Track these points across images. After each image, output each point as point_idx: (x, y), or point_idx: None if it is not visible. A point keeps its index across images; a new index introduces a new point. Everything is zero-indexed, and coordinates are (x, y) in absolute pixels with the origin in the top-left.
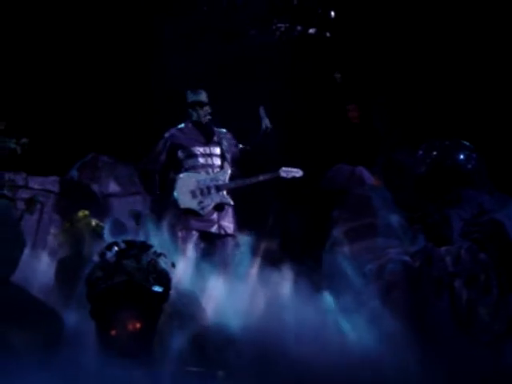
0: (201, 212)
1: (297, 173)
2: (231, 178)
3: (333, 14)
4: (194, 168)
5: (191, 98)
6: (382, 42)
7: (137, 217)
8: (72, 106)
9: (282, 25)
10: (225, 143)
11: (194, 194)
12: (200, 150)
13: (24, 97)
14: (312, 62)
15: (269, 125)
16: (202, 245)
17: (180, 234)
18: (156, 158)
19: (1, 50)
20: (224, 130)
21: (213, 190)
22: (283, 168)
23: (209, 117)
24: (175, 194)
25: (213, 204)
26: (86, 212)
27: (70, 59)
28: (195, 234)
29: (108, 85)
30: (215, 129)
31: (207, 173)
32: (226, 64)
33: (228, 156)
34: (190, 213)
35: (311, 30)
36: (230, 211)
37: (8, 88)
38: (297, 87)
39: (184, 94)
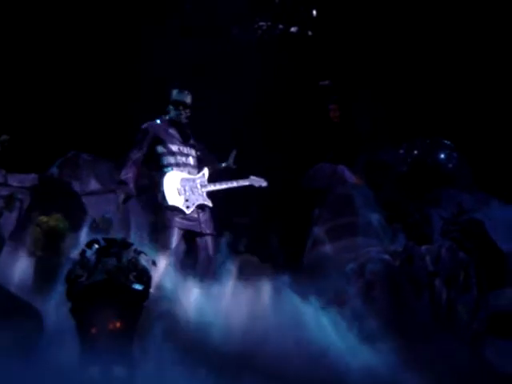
0: (186, 210)
1: (263, 182)
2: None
3: (315, 12)
4: (177, 166)
5: (177, 96)
6: (363, 42)
7: (107, 223)
8: (53, 104)
9: (264, 23)
10: (199, 147)
11: (179, 192)
12: (178, 148)
13: (4, 94)
14: (294, 61)
15: (233, 166)
16: (184, 244)
17: (162, 231)
18: (140, 147)
19: None
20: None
21: (196, 190)
22: (252, 177)
23: (186, 120)
24: (163, 190)
25: (196, 203)
26: (46, 217)
27: (53, 58)
28: (178, 232)
29: (89, 82)
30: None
31: (189, 173)
32: (208, 62)
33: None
34: (173, 210)
35: (293, 29)
36: (208, 212)
37: None
38: (278, 85)
39: (168, 90)
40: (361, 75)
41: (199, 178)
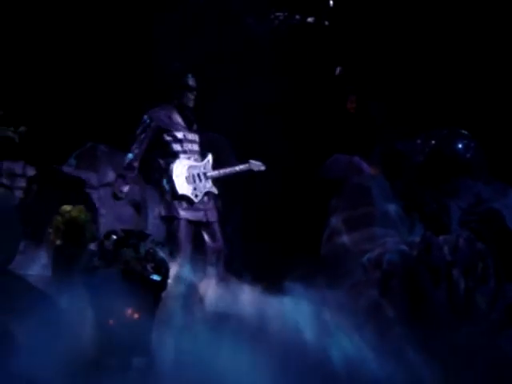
0: (194, 199)
1: (261, 166)
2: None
3: (331, 2)
4: (184, 153)
5: (180, 81)
6: (380, 31)
7: (136, 206)
8: (70, 95)
9: (281, 13)
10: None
11: (188, 181)
12: (184, 135)
13: (22, 86)
14: (310, 51)
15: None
16: (190, 234)
17: (169, 222)
18: (140, 143)
19: None
20: None
21: (203, 178)
22: (251, 161)
23: (192, 103)
24: (173, 179)
25: (204, 191)
26: (70, 206)
27: (69, 48)
28: (184, 222)
29: (106, 74)
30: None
31: (195, 160)
32: (223, 53)
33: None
34: (181, 200)
35: (310, 19)
36: (212, 200)
37: (5, 77)
38: (295, 76)
39: (171, 76)
40: (378, 65)
41: (204, 164)
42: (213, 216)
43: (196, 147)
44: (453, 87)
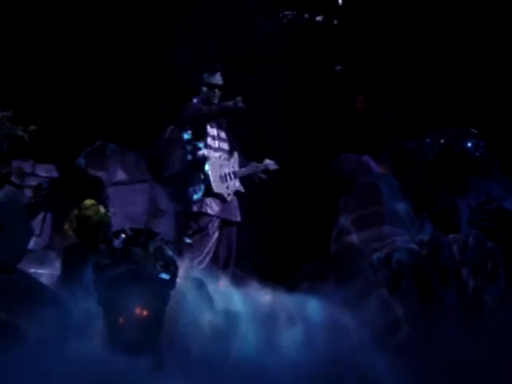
0: (227, 198)
1: (275, 165)
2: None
3: (340, 1)
4: (215, 150)
5: (209, 78)
6: (389, 30)
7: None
8: (80, 93)
9: (290, 12)
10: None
11: (222, 180)
12: (212, 131)
13: (31, 84)
14: (319, 50)
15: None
16: (218, 232)
17: (199, 219)
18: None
19: (9, 37)
20: None
21: (232, 177)
22: (266, 160)
23: (217, 100)
24: (209, 176)
25: (234, 190)
26: (93, 200)
27: (79, 47)
28: (216, 220)
29: (116, 72)
30: None
31: (225, 158)
32: (232, 52)
33: (235, 143)
34: (214, 198)
35: (318, 18)
36: (236, 199)
37: (15, 75)
38: (304, 75)
39: (195, 76)
40: (387, 64)
41: (233, 162)
42: (237, 216)
43: (226, 146)
44: (462, 86)
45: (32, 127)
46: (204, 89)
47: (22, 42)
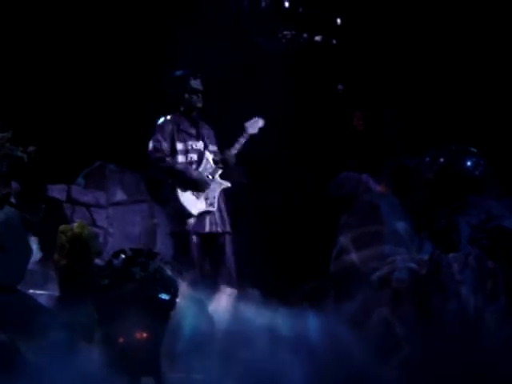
0: (212, 208)
1: (260, 122)
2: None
3: (339, 21)
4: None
5: (193, 84)
6: (389, 50)
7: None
8: (79, 114)
9: (289, 32)
10: (207, 137)
11: (197, 196)
12: (192, 144)
13: (30, 105)
14: (318, 69)
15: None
16: (199, 248)
17: (178, 239)
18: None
19: (6, 56)
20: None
21: (209, 181)
22: (246, 123)
23: (201, 104)
24: (182, 203)
25: (217, 194)
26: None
27: (78, 66)
28: (194, 237)
29: (115, 93)
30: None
31: (196, 164)
32: (232, 71)
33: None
34: (186, 215)
35: (317, 38)
36: (222, 206)
37: (14, 96)
38: (303, 94)
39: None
40: (387, 83)
41: (204, 165)
42: (223, 224)
43: (198, 145)
44: (462, 105)
45: (31, 148)
46: (187, 95)
47: (21, 63)
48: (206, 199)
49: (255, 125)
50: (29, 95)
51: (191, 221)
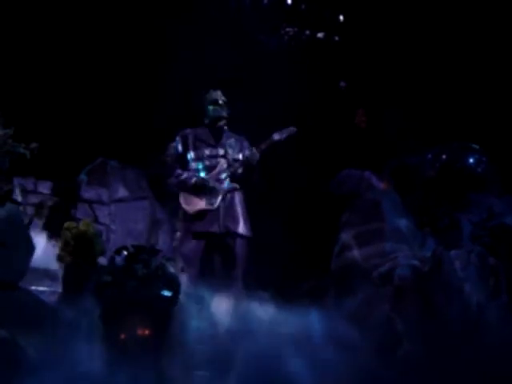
0: (211, 207)
1: (292, 131)
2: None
3: (341, 18)
4: (198, 171)
5: (209, 97)
6: (391, 46)
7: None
8: (81, 111)
9: (291, 29)
10: (229, 145)
11: (197, 196)
12: (206, 152)
13: (33, 101)
14: (321, 66)
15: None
16: (202, 248)
17: (180, 237)
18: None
19: (10, 53)
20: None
21: (213, 183)
22: (276, 132)
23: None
24: (181, 202)
25: (221, 196)
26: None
27: (80, 64)
28: (195, 236)
29: (116, 90)
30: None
31: (210, 170)
32: (234, 69)
33: (229, 155)
34: (193, 215)
35: (320, 34)
36: (235, 208)
37: (17, 93)
38: (305, 91)
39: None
40: (389, 80)
41: (218, 171)
42: (231, 223)
43: (209, 162)
44: (464, 102)
45: (34, 144)
46: (210, 107)
47: (24, 60)
48: (208, 199)
49: (285, 133)
50: (31, 92)
51: (192, 219)
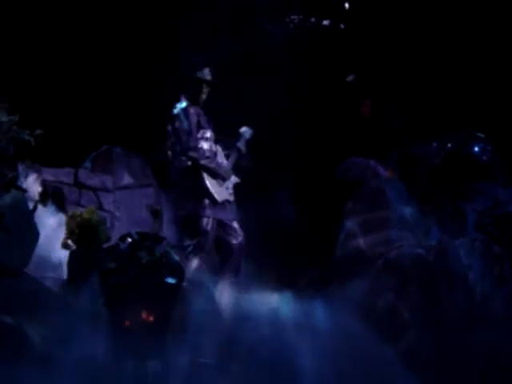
0: (230, 198)
1: (249, 131)
2: None
3: (347, 5)
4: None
5: (195, 74)
6: (396, 35)
7: (154, 212)
8: (86, 98)
9: (296, 16)
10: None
11: (219, 183)
12: (208, 134)
13: (38, 88)
14: (326, 54)
15: (243, 150)
16: (212, 234)
17: (198, 222)
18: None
19: (16, 40)
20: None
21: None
22: (241, 130)
23: (205, 96)
24: (211, 190)
25: (231, 186)
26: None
27: (85, 51)
28: (213, 221)
29: (121, 77)
30: None
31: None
32: (239, 57)
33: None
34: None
35: (325, 22)
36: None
37: (22, 79)
38: (310, 80)
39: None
40: (394, 69)
41: (221, 156)
42: (234, 213)
43: (211, 135)
44: (469, 91)
45: (38, 131)
46: (192, 85)
47: (29, 47)
48: (227, 188)
49: (247, 134)
50: (36, 79)
51: (212, 207)
